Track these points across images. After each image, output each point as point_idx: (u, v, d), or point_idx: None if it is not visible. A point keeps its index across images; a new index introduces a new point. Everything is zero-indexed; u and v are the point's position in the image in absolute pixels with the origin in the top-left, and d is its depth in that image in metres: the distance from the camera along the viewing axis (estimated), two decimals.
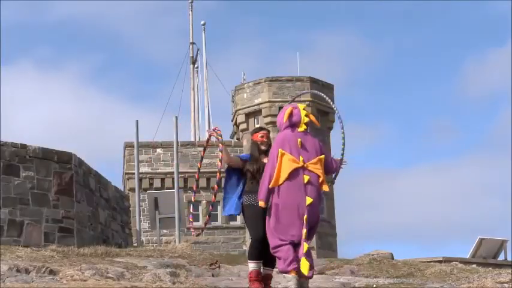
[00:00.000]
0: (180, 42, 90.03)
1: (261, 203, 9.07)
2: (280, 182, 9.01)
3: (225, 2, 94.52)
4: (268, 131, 9.64)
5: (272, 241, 9.06)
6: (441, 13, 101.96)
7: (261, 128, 9.61)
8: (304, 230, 8.91)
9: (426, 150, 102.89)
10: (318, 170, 9.11)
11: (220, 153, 9.40)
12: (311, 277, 9.08)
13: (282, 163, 9.02)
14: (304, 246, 8.91)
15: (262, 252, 9.14)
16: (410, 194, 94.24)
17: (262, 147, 9.39)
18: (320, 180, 9.11)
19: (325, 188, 9.14)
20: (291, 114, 9.27)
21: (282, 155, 9.04)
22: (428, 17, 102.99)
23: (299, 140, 9.16)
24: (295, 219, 8.97)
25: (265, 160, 9.29)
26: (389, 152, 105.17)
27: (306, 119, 9.28)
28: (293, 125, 9.28)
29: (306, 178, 9.03)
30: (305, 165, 9.08)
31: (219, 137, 9.50)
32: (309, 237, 9.03)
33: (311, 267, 8.99)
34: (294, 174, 9.03)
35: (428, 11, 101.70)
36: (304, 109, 9.36)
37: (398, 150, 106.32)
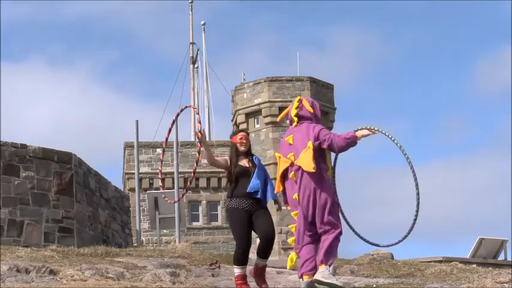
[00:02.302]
0: (182, 42, 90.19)
1: (288, 207, 9.23)
2: (281, 188, 9.14)
3: (226, 2, 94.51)
4: (247, 133, 9.76)
5: (298, 237, 9.10)
6: (453, 11, 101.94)
7: (240, 131, 9.74)
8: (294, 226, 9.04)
9: (436, 148, 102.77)
10: (306, 158, 8.97)
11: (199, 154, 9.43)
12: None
13: (280, 167, 9.15)
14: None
15: (247, 257, 9.36)
16: (413, 193, 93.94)
17: (242, 149, 9.50)
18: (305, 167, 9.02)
19: (310, 169, 8.99)
20: (286, 115, 9.37)
21: (279, 158, 9.17)
22: (439, 15, 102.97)
23: (291, 136, 9.16)
24: (302, 216, 9.06)
25: (244, 162, 9.41)
26: (398, 150, 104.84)
27: (295, 111, 9.24)
28: (291, 122, 9.34)
29: (291, 174, 9.06)
30: (293, 162, 9.05)
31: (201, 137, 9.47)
32: (325, 232, 9.00)
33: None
34: (286, 173, 9.12)
35: (439, 9, 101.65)
36: (297, 101, 9.32)
37: (408, 148, 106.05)
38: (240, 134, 9.57)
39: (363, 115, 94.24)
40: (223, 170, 9.78)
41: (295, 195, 9.04)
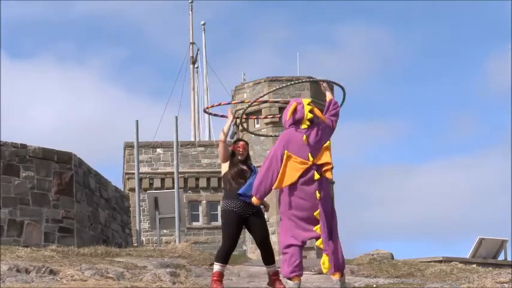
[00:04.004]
0: (182, 42, 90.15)
1: (255, 200, 9.30)
2: (284, 185, 9.00)
3: (226, 2, 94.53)
4: (247, 143, 9.97)
5: (284, 239, 9.06)
6: (458, 11, 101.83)
7: (238, 140, 9.96)
8: (318, 226, 8.93)
9: (437, 148, 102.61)
10: (326, 159, 9.07)
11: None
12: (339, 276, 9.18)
13: (288, 166, 8.99)
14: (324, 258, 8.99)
15: (228, 257, 9.75)
16: (416, 192, 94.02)
17: (239, 157, 9.79)
18: (323, 169, 9.06)
19: (328, 175, 9.06)
20: (294, 111, 9.16)
21: (288, 157, 9.01)
22: (448, 13, 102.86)
23: (304, 136, 9.05)
24: (310, 218, 8.96)
25: (241, 165, 9.69)
26: (402, 148, 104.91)
27: (310, 115, 9.12)
28: (296, 122, 9.16)
29: (316, 175, 8.98)
30: (314, 162, 9.01)
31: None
32: (331, 237, 9.02)
33: (335, 267, 9.05)
34: (304, 173, 8.99)
35: (445, 8, 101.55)
36: (308, 104, 9.18)
37: (411, 147, 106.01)
38: (239, 142, 9.89)
39: (364, 115, 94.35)
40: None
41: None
